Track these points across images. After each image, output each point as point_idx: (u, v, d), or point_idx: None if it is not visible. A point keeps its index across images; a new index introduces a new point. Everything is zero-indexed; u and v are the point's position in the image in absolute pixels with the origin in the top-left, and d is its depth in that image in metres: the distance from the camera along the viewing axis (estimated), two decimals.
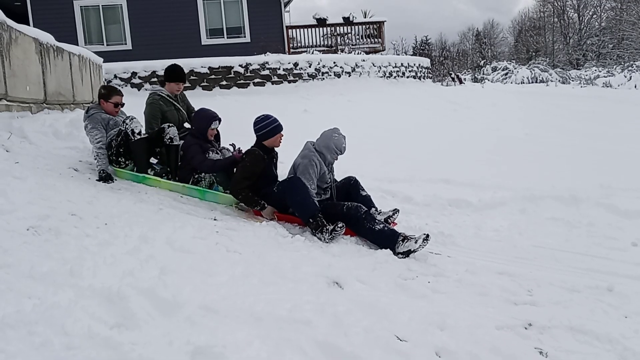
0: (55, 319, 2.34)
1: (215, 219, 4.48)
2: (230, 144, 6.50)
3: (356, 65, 15.12)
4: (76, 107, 7.36)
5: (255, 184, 4.67)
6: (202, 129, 5.17)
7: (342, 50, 18.42)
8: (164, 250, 3.42)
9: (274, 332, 2.64)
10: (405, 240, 4.16)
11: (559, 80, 27.84)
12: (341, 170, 5.23)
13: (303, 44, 19.48)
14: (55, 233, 3.27)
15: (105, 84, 5.43)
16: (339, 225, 4.24)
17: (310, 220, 4.34)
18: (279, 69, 13.62)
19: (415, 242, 4.13)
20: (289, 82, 13.69)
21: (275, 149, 4.91)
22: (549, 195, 5.94)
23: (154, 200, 4.67)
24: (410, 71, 17.20)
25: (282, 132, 4.81)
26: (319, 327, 2.73)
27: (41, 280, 2.66)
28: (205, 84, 12.87)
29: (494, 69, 32.07)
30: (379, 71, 15.65)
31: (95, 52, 9.16)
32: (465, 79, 25.34)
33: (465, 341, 2.80)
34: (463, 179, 6.74)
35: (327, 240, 4.23)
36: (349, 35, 19.84)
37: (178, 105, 5.76)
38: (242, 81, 13.19)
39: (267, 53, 14.78)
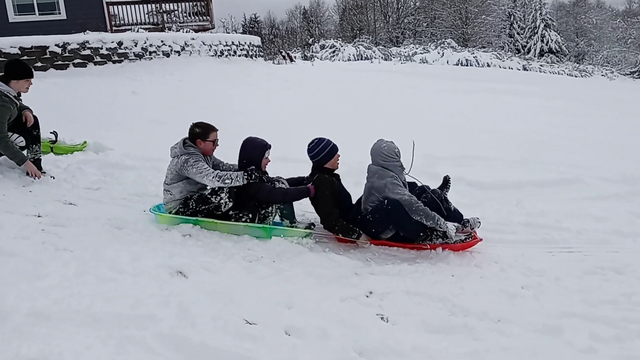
0: None
1: (39, 215, 4.09)
2: (51, 132, 5.99)
3: (185, 44, 14.66)
4: None
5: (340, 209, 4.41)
6: (255, 160, 4.43)
7: (170, 29, 17.73)
8: None
9: (115, 332, 2.51)
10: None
11: (382, 57, 29.55)
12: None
13: (127, 22, 18.34)
14: None
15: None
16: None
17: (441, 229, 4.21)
18: (102, 48, 12.68)
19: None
20: (114, 62, 12.82)
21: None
22: None
23: None
24: (241, 50, 17.09)
25: (339, 153, 4.55)
26: (165, 321, 2.65)
27: None
28: None
29: (322, 47, 33.10)
30: (209, 50, 15.34)
31: None
32: (295, 57, 25.80)
33: (314, 316, 2.89)
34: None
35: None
36: (176, 12, 19.13)
37: (20, 104, 5.09)
38: (60, 62, 12.05)
39: (87, 31, 13.72)
